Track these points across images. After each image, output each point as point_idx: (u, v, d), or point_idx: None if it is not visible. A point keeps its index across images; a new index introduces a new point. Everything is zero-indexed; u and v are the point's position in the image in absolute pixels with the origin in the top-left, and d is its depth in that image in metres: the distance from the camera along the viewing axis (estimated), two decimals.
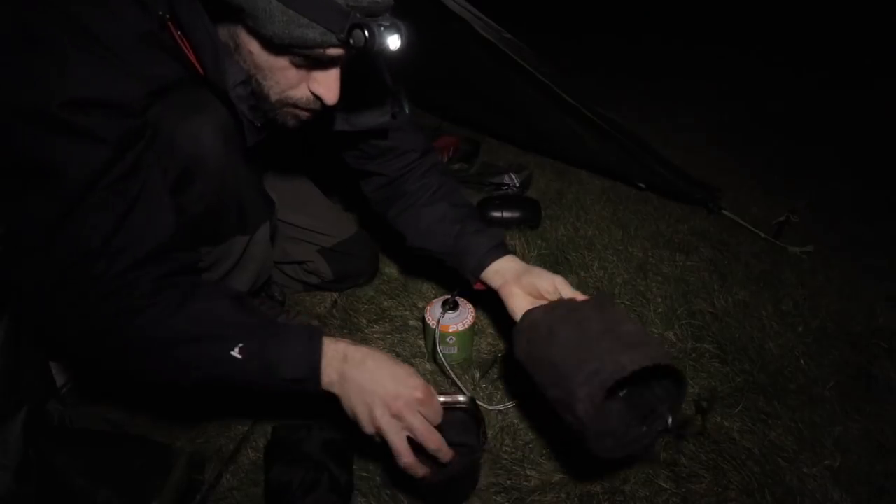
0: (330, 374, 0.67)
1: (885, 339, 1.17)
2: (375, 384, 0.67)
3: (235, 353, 0.64)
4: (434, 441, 0.68)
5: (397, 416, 0.67)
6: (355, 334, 1.14)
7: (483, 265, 0.92)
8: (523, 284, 0.87)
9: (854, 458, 0.92)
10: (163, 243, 0.64)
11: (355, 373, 0.67)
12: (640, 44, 3.89)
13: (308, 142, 0.98)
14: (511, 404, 0.98)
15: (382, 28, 0.59)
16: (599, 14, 4.42)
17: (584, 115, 1.47)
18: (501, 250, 0.93)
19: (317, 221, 1.11)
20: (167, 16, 0.62)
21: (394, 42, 0.61)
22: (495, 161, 1.91)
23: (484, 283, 0.94)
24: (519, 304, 0.85)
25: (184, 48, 0.65)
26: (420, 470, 0.68)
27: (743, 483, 0.87)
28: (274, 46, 0.62)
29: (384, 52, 0.61)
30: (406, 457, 0.67)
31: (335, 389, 0.68)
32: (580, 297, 0.81)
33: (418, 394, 0.68)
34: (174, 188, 0.71)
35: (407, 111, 0.87)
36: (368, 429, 0.68)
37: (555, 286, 0.83)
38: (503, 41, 1.35)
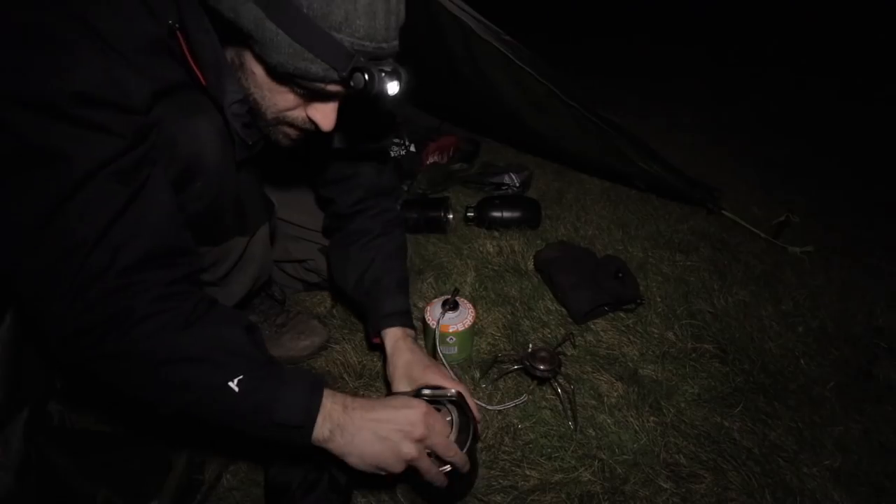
0: (325, 428, 0.66)
1: (885, 339, 1.18)
2: (373, 449, 0.67)
3: (233, 384, 0.62)
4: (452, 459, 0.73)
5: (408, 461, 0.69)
6: (355, 334, 1.14)
7: (377, 328, 0.93)
8: (403, 371, 0.86)
9: (854, 458, 0.92)
10: (168, 241, 0.63)
11: (350, 433, 0.67)
12: (640, 45, 3.89)
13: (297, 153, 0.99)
14: (511, 404, 0.99)
15: (383, 74, 0.61)
16: (598, 16, 4.42)
17: (583, 116, 1.47)
18: (396, 319, 0.93)
19: (318, 220, 1.11)
20: (176, 25, 0.63)
21: (392, 88, 0.62)
22: (495, 161, 1.91)
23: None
24: (398, 382, 0.85)
25: (189, 58, 0.66)
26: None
27: (743, 483, 0.87)
28: (277, 74, 0.64)
29: (382, 96, 0.62)
30: (438, 480, 0.72)
31: (326, 445, 0.67)
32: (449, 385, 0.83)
33: (417, 434, 0.69)
34: (175, 186, 0.71)
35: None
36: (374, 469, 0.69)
37: (425, 381, 0.83)
38: (502, 42, 1.35)
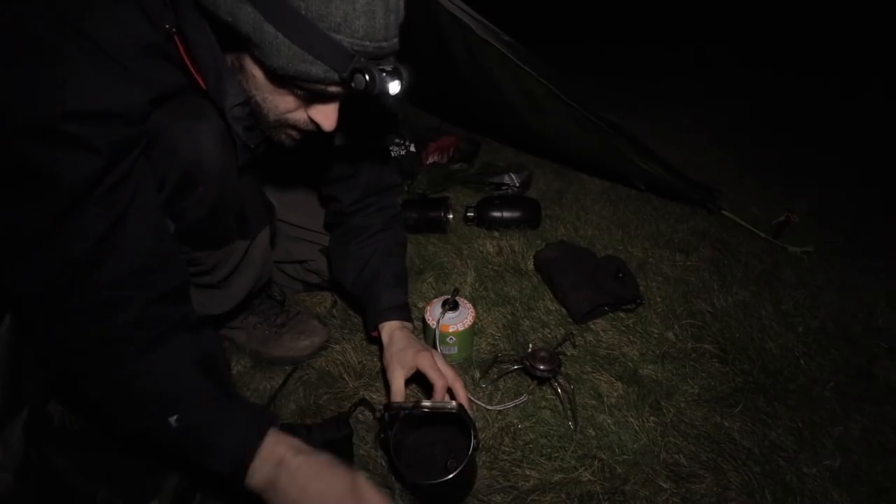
0: (259, 477, 0.64)
1: (885, 339, 1.18)
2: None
3: (172, 421, 0.62)
4: None
5: None
6: (355, 334, 1.14)
7: (375, 321, 0.96)
8: (397, 357, 0.88)
9: (854, 458, 0.92)
10: (149, 259, 0.64)
11: (285, 486, 0.63)
12: (639, 45, 3.89)
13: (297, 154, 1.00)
14: (511, 404, 0.99)
15: (384, 74, 0.61)
16: (598, 17, 4.42)
17: (583, 116, 1.47)
18: (394, 314, 0.95)
19: (318, 221, 1.11)
20: (173, 30, 0.62)
21: (394, 87, 0.62)
22: (495, 161, 1.91)
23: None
24: (395, 375, 0.86)
25: (188, 62, 0.65)
26: None
27: (743, 483, 0.87)
28: (277, 77, 0.64)
29: (384, 96, 0.62)
30: None
31: (264, 496, 0.65)
32: (440, 373, 0.86)
33: None
34: (175, 192, 0.71)
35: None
36: None
37: (415, 364, 0.87)
38: (502, 42, 1.35)
